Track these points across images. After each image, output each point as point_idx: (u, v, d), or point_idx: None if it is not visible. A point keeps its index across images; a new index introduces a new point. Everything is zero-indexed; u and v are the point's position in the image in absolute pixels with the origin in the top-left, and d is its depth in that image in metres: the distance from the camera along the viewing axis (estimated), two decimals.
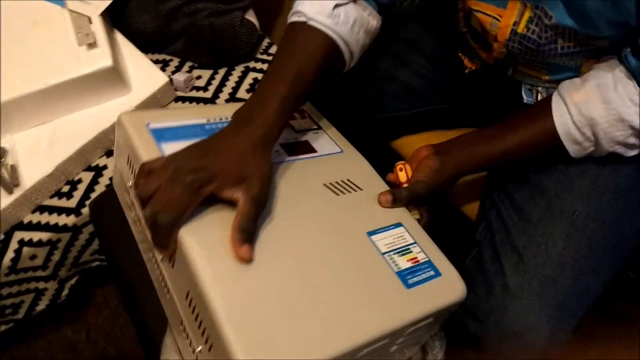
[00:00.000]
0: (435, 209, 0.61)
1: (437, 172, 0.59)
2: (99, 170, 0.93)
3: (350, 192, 0.56)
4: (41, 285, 0.96)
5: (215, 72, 1.03)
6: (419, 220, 0.59)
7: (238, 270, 0.43)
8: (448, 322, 0.56)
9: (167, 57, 1.06)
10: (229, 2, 0.99)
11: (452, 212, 0.79)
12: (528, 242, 0.60)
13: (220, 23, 0.97)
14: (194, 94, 1.00)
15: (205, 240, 0.44)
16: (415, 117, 0.83)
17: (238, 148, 0.47)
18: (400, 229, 0.53)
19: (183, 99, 1.00)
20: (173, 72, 1.03)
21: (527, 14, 0.58)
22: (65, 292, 1.01)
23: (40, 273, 0.93)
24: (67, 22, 0.89)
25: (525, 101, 0.69)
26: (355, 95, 0.81)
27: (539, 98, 0.68)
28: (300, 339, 0.41)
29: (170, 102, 0.99)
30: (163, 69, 1.04)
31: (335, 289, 0.46)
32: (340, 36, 0.59)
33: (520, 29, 0.59)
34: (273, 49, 1.08)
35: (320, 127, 0.63)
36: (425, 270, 0.50)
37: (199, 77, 1.03)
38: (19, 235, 0.88)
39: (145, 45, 1.06)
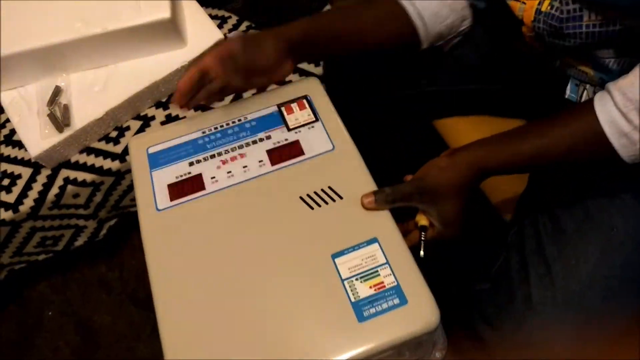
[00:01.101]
0: (455, 215, 0.53)
1: (442, 169, 0.53)
2: (147, 120, 0.94)
3: (327, 203, 0.52)
4: (81, 222, 1.00)
5: None
6: (423, 228, 0.54)
7: (189, 285, 0.49)
8: (450, 322, 0.53)
9: (226, 14, 1.05)
10: None
11: (485, 207, 0.76)
12: (559, 254, 0.56)
13: None
14: None
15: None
16: (463, 95, 0.79)
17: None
18: (374, 246, 0.49)
19: None
20: (230, 31, 1.02)
21: None
22: (104, 231, 1.05)
23: (81, 211, 0.97)
24: None
25: (567, 96, 0.65)
26: (404, 62, 0.77)
27: (585, 97, 0.64)
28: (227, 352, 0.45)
29: None
30: (220, 26, 1.03)
31: (282, 316, 0.46)
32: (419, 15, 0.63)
33: (544, 7, 0.57)
34: None
35: (317, 119, 0.58)
36: (389, 298, 0.46)
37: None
38: (65, 173, 0.91)
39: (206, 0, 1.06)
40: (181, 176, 0.56)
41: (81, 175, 0.91)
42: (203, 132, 0.60)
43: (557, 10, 0.56)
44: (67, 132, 0.87)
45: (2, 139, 0.95)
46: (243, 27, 1.03)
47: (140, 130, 0.93)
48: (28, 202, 0.90)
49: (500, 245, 0.65)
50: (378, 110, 0.84)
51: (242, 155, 0.57)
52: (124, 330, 1.08)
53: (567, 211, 0.59)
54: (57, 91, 0.90)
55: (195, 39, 0.94)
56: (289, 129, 0.58)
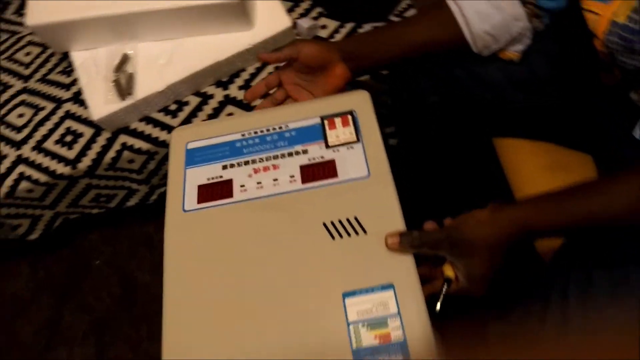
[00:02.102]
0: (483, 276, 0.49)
1: (481, 223, 0.48)
2: (206, 98, 0.95)
3: (350, 235, 0.49)
4: (134, 186, 1.04)
5: (342, 26, 0.98)
6: (448, 282, 0.50)
7: (199, 291, 0.50)
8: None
9: None
10: None
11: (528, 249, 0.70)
12: (582, 314, 0.50)
13: None
14: None
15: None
16: (528, 112, 0.72)
17: None
18: (389, 292, 0.46)
19: None
20: (300, 16, 0.99)
21: (632, 3, 0.51)
22: (154, 197, 1.08)
23: (134, 176, 1.00)
24: None
25: (638, 136, 0.58)
26: (467, 67, 0.73)
27: None
28: None
29: None
30: (292, 9, 1.00)
31: (279, 344, 0.45)
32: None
33: (622, 18, 0.52)
34: (410, 13, 0.99)
35: (358, 140, 0.55)
36: (392, 354, 0.43)
37: (323, 27, 0.98)
38: (123, 138, 0.94)
39: None
40: (213, 179, 0.56)
41: (138, 143, 0.94)
42: (242, 135, 0.59)
43: (636, 23, 0.50)
44: (129, 101, 0.90)
45: (71, 95, 1.00)
46: (315, 13, 1.00)
47: (198, 107, 0.94)
48: (86, 161, 0.94)
49: (526, 290, 0.60)
50: (436, 120, 0.80)
51: (275, 167, 0.55)
52: (159, 292, 1.13)
53: (603, 272, 0.52)
54: (125, 59, 0.93)
55: (263, 22, 0.92)
56: (327, 146, 0.56)
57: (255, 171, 0.55)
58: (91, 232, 1.23)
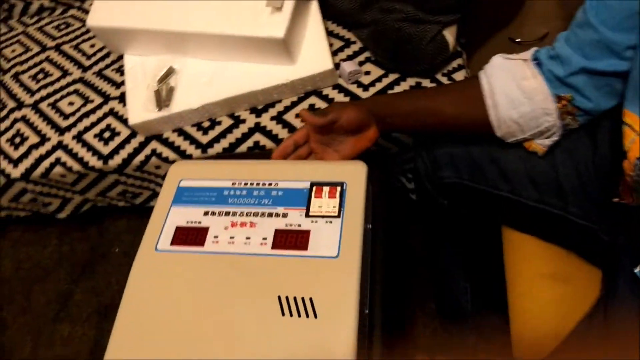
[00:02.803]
0: None
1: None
2: (238, 122, 0.97)
3: (300, 316, 0.48)
4: (158, 189, 1.08)
5: (385, 75, 0.96)
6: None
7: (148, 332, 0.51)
8: None
9: (352, 38, 1.02)
10: (431, 12, 0.88)
11: None
12: None
13: (410, 31, 0.88)
14: (353, 87, 0.96)
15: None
16: (541, 212, 0.68)
17: None
18: None
19: (340, 89, 0.96)
20: (346, 58, 0.99)
21: None
22: None
23: (160, 180, 1.04)
24: None
25: (636, 271, 0.54)
26: (486, 148, 0.70)
27: None
28: None
29: (327, 87, 0.96)
30: (341, 50, 1.00)
31: None
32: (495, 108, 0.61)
33: None
34: (459, 74, 0.96)
35: (338, 216, 0.54)
36: None
37: (367, 73, 0.97)
38: (154, 144, 0.98)
39: (335, 19, 1.04)
40: (191, 222, 0.57)
41: (166, 152, 0.97)
42: (233, 183, 0.59)
43: None
44: (164, 112, 0.93)
45: (119, 95, 1.06)
46: (362, 57, 0.99)
47: (230, 129, 0.96)
48: (117, 159, 0.99)
49: None
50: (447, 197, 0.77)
51: (252, 224, 0.55)
52: None
53: None
54: (170, 72, 0.96)
55: (306, 60, 0.93)
56: (307, 214, 0.55)
57: (233, 224, 0.56)
58: (119, 219, 1.29)
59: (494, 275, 0.73)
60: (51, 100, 1.09)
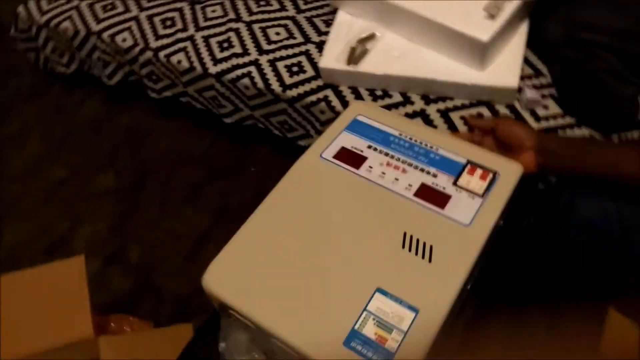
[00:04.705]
0: None
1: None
2: (407, 101, 1.04)
3: (417, 254, 0.54)
4: (312, 132, 1.19)
5: (562, 116, 0.97)
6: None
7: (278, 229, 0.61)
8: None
9: (544, 71, 1.04)
10: (635, 73, 0.88)
11: None
12: None
13: (607, 83, 0.89)
14: (525, 114, 0.98)
15: None
16: None
17: None
18: (410, 313, 0.50)
19: (512, 110, 0.99)
20: (533, 86, 1.01)
21: None
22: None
23: (317, 125, 1.16)
24: None
25: None
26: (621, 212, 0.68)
27: None
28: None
29: (501, 104, 1.00)
30: (529, 77, 1.03)
31: (308, 287, 0.54)
32: None
33: None
34: (634, 133, 0.94)
35: (482, 196, 0.58)
36: (376, 354, 0.48)
37: (545, 107, 0.99)
38: (328, 92, 1.09)
39: (536, 49, 1.06)
40: (355, 148, 0.65)
41: (335, 102, 1.08)
42: (400, 134, 0.67)
43: None
44: (350, 68, 1.04)
45: (318, 41, 1.19)
46: (546, 91, 1.01)
47: (396, 104, 1.04)
48: (294, 91, 1.12)
49: None
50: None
51: (404, 171, 0.62)
52: None
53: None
54: (371, 36, 1.07)
55: (495, 71, 0.97)
56: (454, 183, 0.61)
57: (387, 164, 0.63)
58: (265, 145, 1.44)
59: None
60: (263, 24, 1.25)
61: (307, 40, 1.20)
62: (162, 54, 1.26)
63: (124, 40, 1.31)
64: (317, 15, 1.25)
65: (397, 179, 0.62)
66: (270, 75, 1.15)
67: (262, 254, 0.58)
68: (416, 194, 0.60)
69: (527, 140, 0.68)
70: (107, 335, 0.79)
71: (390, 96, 1.06)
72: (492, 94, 0.98)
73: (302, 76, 1.13)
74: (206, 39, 1.25)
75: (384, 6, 1.02)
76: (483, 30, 0.91)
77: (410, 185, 0.61)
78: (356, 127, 0.68)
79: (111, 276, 1.26)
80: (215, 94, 1.26)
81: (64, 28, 1.39)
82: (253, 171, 1.42)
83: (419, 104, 1.04)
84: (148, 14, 1.35)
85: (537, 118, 0.97)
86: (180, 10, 1.34)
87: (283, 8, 1.29)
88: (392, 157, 0.64)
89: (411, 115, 1.02)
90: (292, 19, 1.26)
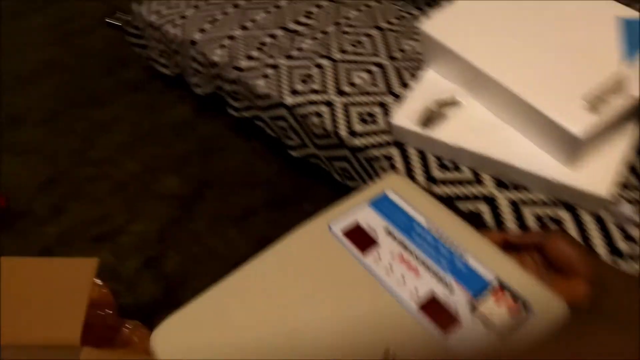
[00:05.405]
0: None
1: None
2: (477, 181, 0.92)
3: None
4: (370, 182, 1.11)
5: None
6: None
7: None
8: None
9: None
10: None
11: None
12: None
13: None
14: (612, 229, 0.82)
15: None
16: None
17: None
18: None
19: (598, 221, 0.83)
20: (629, 202, 0.84)
21: None
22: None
23: (375, 178, 1.07)
24: (606, 70, 0.81)
25: None
26: None
27: None
28: None
29: (586, 210, 0.84)
30: (629, 187, 0.86)
31: None
32: None
33: None
34: None
35: (500, 335, 0.45)
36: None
37: (639, 226, 0.81)
38: (393, 150, 1.01)
39: None
40: (369, 228, 0.56)
41: (399, 162, 0.99)
42: (428, 223, 0.56)
43: None
44: (422, 130, 0.95)
45: (397, 92, 1.11)
46: None
47: (462, 182, 0.93)
48: (360, 141, 1.05)
49: None
50: None
51: (416, 271, 0.52)
52: None
53: None
54: (452, 102, 0.97)
55: (585, 173, 0.82)
56: (471, 305, 0.49)
57: (401, 258, 0.53)
58: (327, 187, 1.37)
59: None
60: (349, 66, 1.21)
61: (389, 90, 1.13)
62: (246, 75, 1.26)
63: (217, 54, 1.34)
64: (407, 68, 1.18)
65: (404, 279, 0.51)
66: (340, 118, 1.10)
67: (221, 322, 0.51)
68: (421, 306, 0.49)
69: (581, 267, 0.53)
70: (91, 348, 0.76)
71: (459, 170, 0.95)
72: (576, 197, 0.83)
73: (372, 127, 1.06)
74: (290, 69, 1.23)
75: (473, 72, 0.92)
76: (580, 123, 0.78)
77: (417, 291, 0.50)
78: (382, 203, 0.59)
79: (143, 280, 1.26)
80: (285, 125, 1.23)
81: (167, 31, 1.45)
82: (306, 209, 1.36)
83: (489, 187, 0.91)
84: (247, 34, 1.36)
85: (627, 238, 0.80)
86: (274, 36, 1.34)
87: (376, 53, 1.23)
88: (409, 250, 0.54)
89: (477, 199, 0.90)
90: (380, 66, 1.19)
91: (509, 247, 0.58)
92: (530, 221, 0.85)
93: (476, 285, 0.51)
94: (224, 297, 0.53)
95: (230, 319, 0.51)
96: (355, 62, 1.22)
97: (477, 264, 0.53)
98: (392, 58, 1.21)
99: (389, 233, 0.56)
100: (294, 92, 1.18)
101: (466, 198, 0.91)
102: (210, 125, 1.63)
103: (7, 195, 1.46)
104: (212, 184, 1.48)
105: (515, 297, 0.50)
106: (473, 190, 0.92)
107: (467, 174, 0.94)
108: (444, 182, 0.94)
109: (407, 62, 1.19)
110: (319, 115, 1.12)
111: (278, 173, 1.46)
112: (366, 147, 1.04)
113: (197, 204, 1.43)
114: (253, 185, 1.45)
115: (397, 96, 1.11)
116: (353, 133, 1.06)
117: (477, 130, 0.92)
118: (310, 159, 1.26)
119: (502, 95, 0.88)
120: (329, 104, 1.13)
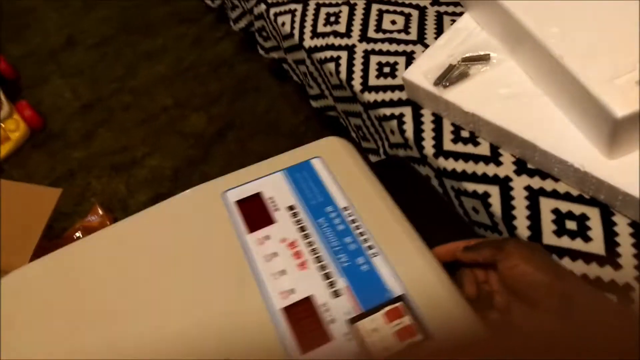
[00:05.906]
0: None
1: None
2: (494, 158, 0.75)
3: None
4: (379, 143, 0.97)
5: None
6: None
7: None
8: None
9: None
10: None
11: None
12: None
13: None
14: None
15: None
16: None
17: None
18: None
19: (606, 218, 0.63)
20: None
21: None
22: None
23: (385, 135, 0.93)
24: None
25: None
26: None
27: None
28: None
29: (621, 213, 0.65)
30: None
31: None
32: None
33: None
34: None
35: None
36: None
37: None
38: (406, 110, 0.85)
39: None
40: (271, 202, 0.45)
41: (408, 124, 0.84)
42: (346, 208, 0.44)
43: None
44: (434, 89, 0.78)
45: (417, 38, 0.93)
46: None
47: (476, 157, 0.76)
48: (372, 96, 0.90)
49: None
50: None
51: (302, 266, 0.40)
52: None
53: None
54: (483, 59, 0.78)
55: (624, 167, 0.62)
56: (351, 321, 0.37)
57: (291, 245, 0.42)
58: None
59: None
60: (384, 7, 1.03)
61: (421, 39, 0.95)
62: (272, 10, 1.14)
63: None
64: (451, 14, 0.99)
65: (283, 273, 0.40)
66: (357, 68, 0.95)
67: (66, 283, 0.43)
68: (286, 309, 0.38)
69: (545, 294, 0.39)
70: None
71: (476, 144, 0.77)
72: (610, 195, 0.64)
73: (388, 81, 0.90)
74: (318, 6, 1.08)
75: (513, 23, 0.73)
76: (624, 102, 0.58)
77: (292, 290, 0.39)
78: (300, 173, 0.47)
79: None
80: (305, 70, 1.10)
81: None
82: None
83: (507, 169, 0.74)
84: None
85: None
86: None
87: (421, 8, 1.04)
88: (307, 238, 0.42)
89: (489, 180, 0.73)
90: (422, 9, 1.01)
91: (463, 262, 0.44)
92: (545, 215, 0.68)
93: (371, 296, 0.39)
94: (82, 252, 0.45)
95: (74, 281, 0.43)
96: (393, 2, 1.04)
97: (388, 270, 0.40)
98: (436, 3, 1.02)
99: (293, 213, 0.44)
100: (316, 34, 1.04)
101: (474, 177, 0.75)
102: (247, 65, 1.54)
103: (46, 116, 1.49)
104: (236, 126, 1.40)
105: (417, 318, 0.37)
106: (487, 170, 0.75)
107: (485, 149, 0.76)
108: (455, 156, 0.77)
109: (452, 7, 1.00)
110: (336, 62, 0.98)
111: (303, 124, 1.35)
112: (377, 104, 0.89)
113: (216, 145, 1.37)
114: (275, 134, 1.35)
115: (427, 47, 0.93)
116: (367, 87, 0.92)
117: (504, 96, 0.74)
118: (329, 112, 1.13)
119: (540, 57, 0.68)
120: (349, 49, 0.98)
